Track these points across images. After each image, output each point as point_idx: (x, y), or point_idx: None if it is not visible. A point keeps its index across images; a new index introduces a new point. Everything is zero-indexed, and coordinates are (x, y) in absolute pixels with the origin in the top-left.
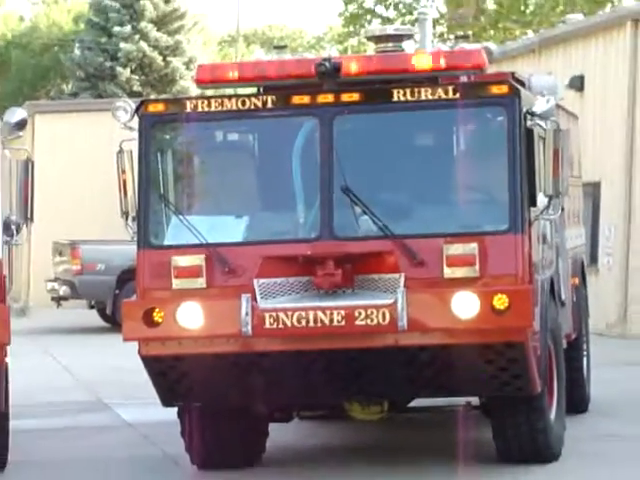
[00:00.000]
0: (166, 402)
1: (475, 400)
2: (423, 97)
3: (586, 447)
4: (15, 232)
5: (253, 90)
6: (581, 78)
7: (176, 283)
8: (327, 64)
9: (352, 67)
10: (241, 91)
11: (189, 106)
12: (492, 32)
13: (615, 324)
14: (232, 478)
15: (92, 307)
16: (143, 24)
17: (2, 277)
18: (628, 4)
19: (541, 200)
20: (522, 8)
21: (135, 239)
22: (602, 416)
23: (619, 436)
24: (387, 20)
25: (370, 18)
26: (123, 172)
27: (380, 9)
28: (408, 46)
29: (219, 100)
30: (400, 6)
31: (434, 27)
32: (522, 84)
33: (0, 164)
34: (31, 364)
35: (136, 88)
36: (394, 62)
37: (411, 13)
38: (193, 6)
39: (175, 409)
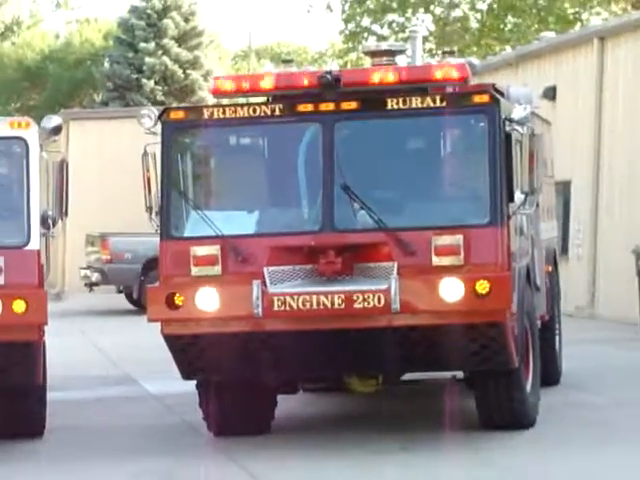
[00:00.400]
0: (186, 376)
1: (460, 374)
2: (414, 105)
3: (558, 414)
4: (51, 225)
5: (263, 99)
6: (553, 89)
7: (194, 270)
8: (328, 76)
9: (351, 79)
10: (252, 100)
11: (206, 113)
12: (475, 48)
13: (584, 307)
14: (245, 443)
15: (120, 292)
16: (166, 41)
17: (40, 265)
18: (595, 23)
19: (518, 197)
20: (501, 27)
21: (158, 231)
22: (572, 388)
23: (587, 405)
24: (382, 37)
25: (367, 35)
26: (147, 172)
27: (376, 27)
28: (400, 60)
29: (233, 108)
30: (394, 25)
31: (424, 43)
32: (501, 94)
33: (38, 165)
34: (66, 343)
35: (159, 98)
36: (390, 74)
37: (403, 31)
38: (210, 25)
39: (194, 382)
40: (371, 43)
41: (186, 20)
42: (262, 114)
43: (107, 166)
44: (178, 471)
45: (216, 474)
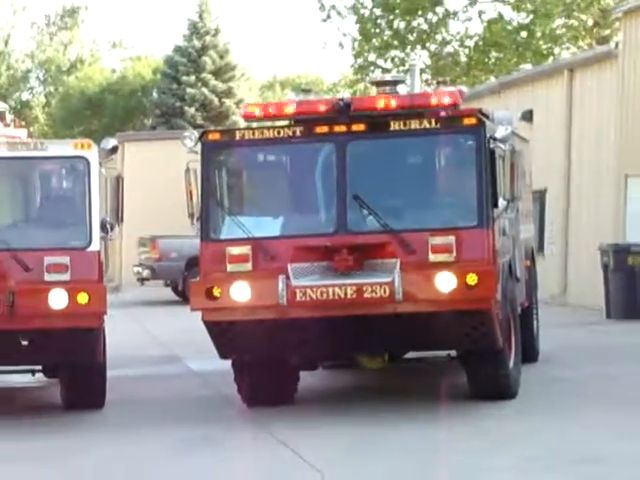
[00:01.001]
0: (222, 356)
1: (454, 353)
2: (413, 127)
3: (538, 387)
4: (109, 230)
5: (286, 122)
6: (531, 112)
7: (229, 267)
8: (341, 103)
9: (361, 105)
10: (277, 123)
11: (238, 135)
12: (464, 78)
13: (557, 295)
14: (272, 412)
15: (167, 285)
16: (204, 75)
17: (100, 263)
18: (565, 57)
19: (501, 203)
20: (486, 61)
21: (198, 234)
22: (549, 364)
23: (562, 378)
24: (385, 70)
25: (373, 68)
26: (189, 184)
27: (380, 62)
28: (401, 89)
29: (260, 130)
30: (395, 59)
31: (421, 74)
32: (486, 117)
33: (98, 180)
34: (122, 328)
35: (199, 122)
36: (394, 101)
37: (403, 65)
38: (241, 59)
39: (229, 361)
40: (376, 75)
41: (221, 57)
42: (285, 135)
43: (156, 180)
44: (217, 436)
45: (248, 439)
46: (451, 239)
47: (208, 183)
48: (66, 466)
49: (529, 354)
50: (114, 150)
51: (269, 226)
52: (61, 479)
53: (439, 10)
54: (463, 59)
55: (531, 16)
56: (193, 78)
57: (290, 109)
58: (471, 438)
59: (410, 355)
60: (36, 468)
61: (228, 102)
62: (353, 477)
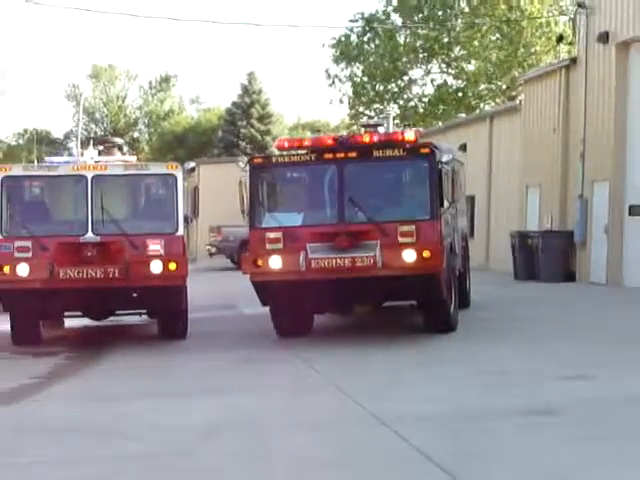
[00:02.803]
0: (263, 304)
1: (414, 302)
2: (388, 154)
3: (469, 324)
4: (190, 221)
5: (304, 151)
6: (465, 145)
7: (268, 246)
8: (341, 138)
9: (354, 140)
10: (298, 152)
11: (273, 160)
12: (422, 123)
13: (483, 264)
14: (295, 341)
15: (227, 258)
16: (252, 120)
17: (184, 243)
18: (487, 109)
19: (446, 204)
20: (436, 111)
21: (248, 224)
22: (477, 310)
23: (486, 319)
24: (370, 117)
25: (362, 116)
26: (241, 192)
27: (367, 112)
28: (380, 130)
29: (288, 156)
30: (377, 110)
31: (393, 120)
32: (436, 148)
33: (182, 189)
34: (198, 286)
35: (248, 152)
36: (375, 137)
37: (382, 113)
38: (277, 109)
39: (268, 307)
40: (364, 120)
41: (263, 108)
42: (304, 160)
43: (220, 189)
44: (259, 356)
45: (280, 358)
46: (413, 227)
47: (254, 191)
48: (163, 377)
49: (464, 302)
50: (193, 170)
51: (294, 219)
52: (160, 386)
53: (405, 78)
54: (421, 110)
55: (465, 82)
56: (245, 122)
57: (307, 142)
58: (426, 357)
59: (387, 304)
60: (143, 378)
61: (267, 138)
62: (349, 384)
